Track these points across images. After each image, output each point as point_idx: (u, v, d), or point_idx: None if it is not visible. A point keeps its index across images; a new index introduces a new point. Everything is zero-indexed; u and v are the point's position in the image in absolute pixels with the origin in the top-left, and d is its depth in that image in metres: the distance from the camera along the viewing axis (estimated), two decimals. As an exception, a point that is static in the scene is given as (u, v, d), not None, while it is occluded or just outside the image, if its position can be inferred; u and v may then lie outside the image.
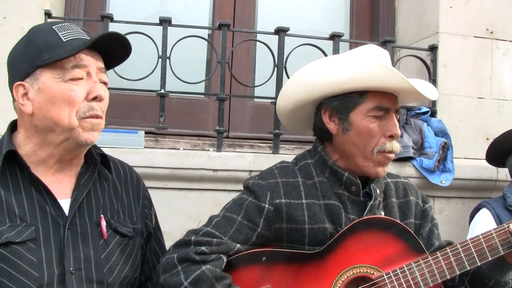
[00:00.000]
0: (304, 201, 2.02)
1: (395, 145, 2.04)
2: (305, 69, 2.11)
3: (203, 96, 3.87)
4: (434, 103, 3.74)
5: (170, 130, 3.52)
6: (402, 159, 3.48)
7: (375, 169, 2.03)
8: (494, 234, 1.93)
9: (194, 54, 3.99)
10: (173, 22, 3.39)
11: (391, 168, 3.41)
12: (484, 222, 3.13)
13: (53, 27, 1.86)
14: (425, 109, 3.67)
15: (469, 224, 3.36)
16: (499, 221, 3.05)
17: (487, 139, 3.66)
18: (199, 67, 4.06)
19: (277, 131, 3.39)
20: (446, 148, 3.54)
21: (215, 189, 3.23)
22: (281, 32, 3.46)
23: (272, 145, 3.47)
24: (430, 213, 2.25)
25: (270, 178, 2.07)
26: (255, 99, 3.92)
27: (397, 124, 2.05)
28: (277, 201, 2.00)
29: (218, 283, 1.89)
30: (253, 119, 3.94)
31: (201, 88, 3.87)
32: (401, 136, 3.49)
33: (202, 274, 1.89)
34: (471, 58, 3.85)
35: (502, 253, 1.93)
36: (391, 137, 2.02)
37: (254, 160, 3.22)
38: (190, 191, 3.24)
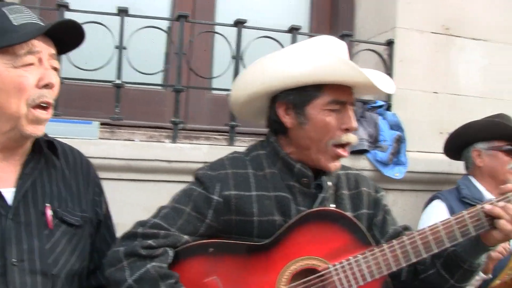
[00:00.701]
0: (253, 193, 2.02)
1: (351, 137, 2.05)
2: (262, 61, 2.10)
3: (161, 87, 3.85)
4: (389, 97, 3.79)
5: (126, 121, 3.49)
6: (357, 152, 3.52)
7: (328, 163, 2.05)
8: (441, 227, 1.95)
9: (154, 46, 3.96)
10: (134, 13, 3.37)
11: (345, 160, 3.45)
12: (438, 213, 3.18)
13: (2, 8, 1.79)
14: (380, 103, 3.72)
15: (422, 215, 3.41)
16: (452, 212, 3.10)
17: (441, 133, 3.72)
18: (158, 58, 4.04)
19: (232, 123, 3.39)
20: (400, 141, 3.59)
21: (170, 181, 3.22)
22: (239, 24, 3.46)
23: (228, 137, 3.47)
24: (382, 201, 2.27)
25: (220, 169, 2.06)
26: (213, 91, 3.91)
27: (353, 117, 2.05)
28: (227, 192, 2.00)
29: (162, 282, 1.87)
30: (211, 111, 3.94)
31: (159, 79, 3.86)
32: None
33: (147, 272, 1.87)
34: (427, 54, 3.91)
35: (447, 246, 1.95)
36: (347, 130, 2.03)
37: (209, 151, 3.22)
38: (145, 182, 3.22)
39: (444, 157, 3.62)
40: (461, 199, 3.21)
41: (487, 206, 1.95)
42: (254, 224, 2.00)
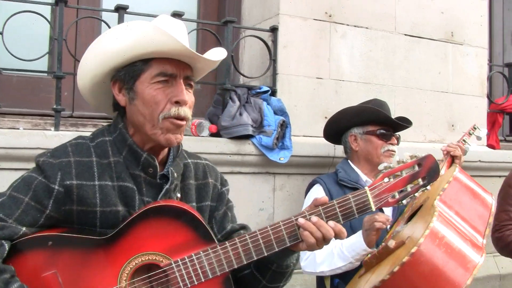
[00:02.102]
0: (96, 182, 1.95)
1: (183, 111, 1.99)
2: (93, 43, 2.05)
3: (46, 74, 3.77)
4: (274, 82, 3.87)
5: (9, 109, 3.41)
6: (242, 137, 3.59)
7: (164, 136, 1.99)
8: (282, 226, 1.96)
9: (38, 31, 3.87)
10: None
11: (231, 145, 3.53)
12: (317, 197, 3.28)
13: None
14: (265, 88, 3.79)
15: (305, 199, 3.51)
16: (330, 195, 3.20)
17: (326, 117, 3.81)
18: (44, 44, 3.95)
19: (114, 109, 3.37)
20: (284, 126, 3.67)
21: (53, 169, 3.17)
22: (120, 10, 3.44)
23: (114, 124, 3.45)
24: (227, 196, 2.28)
25: (63, 157, 1.96)
26: (101, 78, 3.86)
27: (184, 90, 2.00)
28: (68, 182, 1.91)
29: None
30: (99, 98, 3.89)
31: (45, 66, 3.78)
32: (241, 114, 3.59)
33: None
34: (310, 40, 4.01)
35: (288, 245, 1.97)
36: (178, 103, 1.98)
37: (90, 138, 3.19)
38: (26, 171, 3.15)
39: (329, 141, 3.75)
40: (339, 181, 3.32)
41: (301, 220, 1.97)
42: (97, 215, 1.94)
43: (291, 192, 3.84)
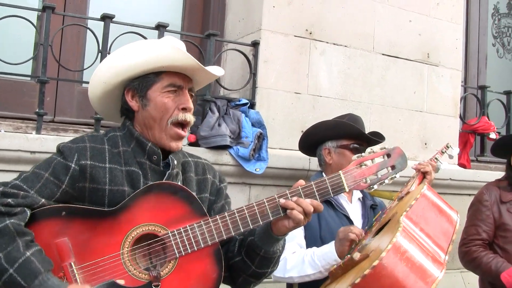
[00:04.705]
0: (107, 165, 2.23)
1: (188, 116, 2.32)
2: (110, 57, 2.36)
3: (29, 78, 3.83)
4: (254, 95, 3.97)
5: (-11, 111, 3.47)
6: (220, 147, 3.68)
7: (169, 142, 2.30)
8: (266, 203, 2.20)
9: (23, 36, 3.94)
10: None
11: (209, 155, 3.61)
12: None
13: None
14: (244, 101, 3.88)
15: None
16: (302, 206, 3.30)
17: (302, 131, 3.90)
18: (28, 49, 4.02)
19: (97, 116, 3.45)
20: (261, 138, 3.77)
21: (33, 171, 3.23)
22: (106, 18, 3.52)
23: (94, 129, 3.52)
24: (225, 191, 2.54)
25: (80, 142, 2.26)
26: (84, 85, 3.94)
27: (190, 99, 2.34)
28: (83, 162, 2.20)
29: (19, 238, 2.00)
30: (81, 104, 3.96)
31: (28, 70, 3.85)
32: (219, 125, 3.68)
33: (5, 227, 2.00)
34: (290, 56, 4.12)
35: (271, 219, 2.21)
36: (184, 109, 2.30)
37: (72, 143, 3.26)
38: (7, 172, 3.21)
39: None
40: (312, 193, 3.40)
41: (282, 200, 2.21)
42: (105, 193, 2.20)
43: (266, 203, 3.91)
